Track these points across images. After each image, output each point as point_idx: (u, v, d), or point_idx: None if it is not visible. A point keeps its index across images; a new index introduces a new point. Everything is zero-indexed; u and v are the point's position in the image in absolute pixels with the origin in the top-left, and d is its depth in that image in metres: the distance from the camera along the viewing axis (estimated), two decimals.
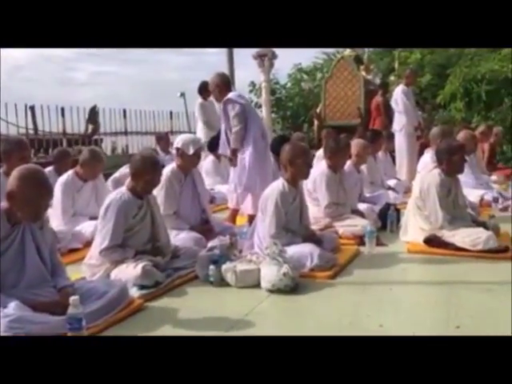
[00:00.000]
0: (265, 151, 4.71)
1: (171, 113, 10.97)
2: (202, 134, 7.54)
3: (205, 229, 3.92)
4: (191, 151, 3.91)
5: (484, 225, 3.92)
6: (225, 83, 4.71)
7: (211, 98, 7.75)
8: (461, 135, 5.77)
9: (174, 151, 4.06)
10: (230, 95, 4.60)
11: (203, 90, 7.78)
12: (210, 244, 3.35)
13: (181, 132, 10.54)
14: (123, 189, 3.26)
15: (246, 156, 4.55)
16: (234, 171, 4.68)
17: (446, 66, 11.84)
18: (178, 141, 4.04)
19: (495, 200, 5.37)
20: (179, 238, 3.70)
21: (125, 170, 5.14)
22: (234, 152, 4.60)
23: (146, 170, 3.21)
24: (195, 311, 2.71)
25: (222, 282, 3.09)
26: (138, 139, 10.53)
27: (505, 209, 5.28)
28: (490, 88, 10.17)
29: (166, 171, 3.85)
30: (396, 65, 12.35)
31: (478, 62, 11.01)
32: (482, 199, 5.49)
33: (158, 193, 3.75)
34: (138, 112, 10.59)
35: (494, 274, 3.21)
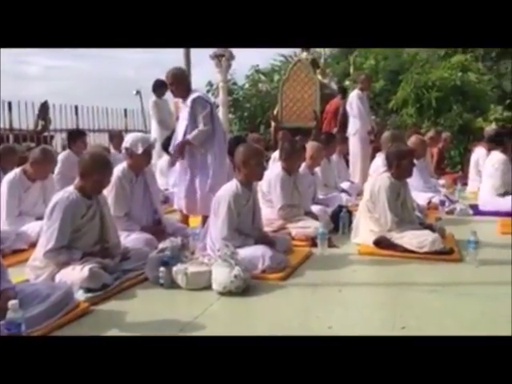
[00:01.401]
0: (225, 153, 4.67)
1: (126, 110, 10.77)
2: (156, 133, 7.43)
3: (156, 230, 3.86)
4: (140, 150, 3.83)
5: (431, 227, 4.05)
6: (187, 79, 4.65)
7: (166, 97, 7.69)
8: (411, 140, 5.94)
9: (123, 151, 3.97)
10: (200, 94, 4.53)
11: (158, 88, 7.68)
12: (161, 245, 3.29)
13: (135, 130, 10.35)
14: (71, 188, 3.15)
15: (210, 158, 4.44)
16: (188, 173, 4.49)
17: (398, 72, 12.18)
18: (127, 140, 3.97)
19: (442, 203, 5.56)
20: (130, 239, 3.62)
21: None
22: (183, 146, 4.41)
23: (96, 170, 3.12)
24: (144, 314, 2.66)
25: (172, 284, 3.04)
26: (90, 137, 10.25)
27: (451, 212, 5.48)
28: (439, 95, 10.53)
29: (117, 171, 3.76)
30: (351, 70, 12.59)
31: (429, 69, 11.40)
32: (429, 202, 5.67)
33: (109, 193, 3.66)
34: (90, 109, 10.32)
35: (439, 276, 3.32)
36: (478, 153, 7.34)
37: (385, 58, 12.94)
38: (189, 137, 4.36)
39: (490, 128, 8.81)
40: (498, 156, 5.69)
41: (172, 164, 4.65)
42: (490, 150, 6.31)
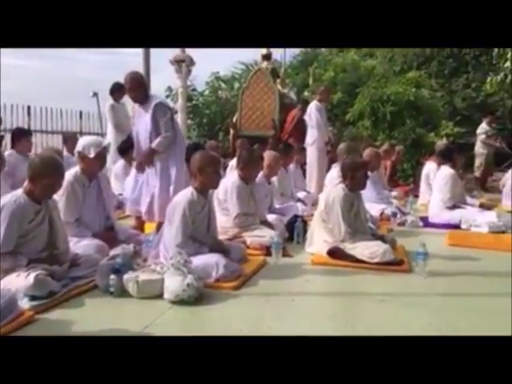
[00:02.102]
0: (184, 159, 4.65)
1: (81, 113, 10.49)
2: (112, 136, 7.29)
3: (108, 236, 3.76)
4: (92, 154, 3.74)
5: (382, 238, 4.14)
6: (145, 84, 4.61)
7: (123, 101, 7.56)
8: (366, 152, 6.09)
9: (76, 154, 3.86)
10: (161, 100, 4.55)
11: (116, 91, 7.54)
12: (113, 252, 3.21)
13: (91, 133, 10.11)
14: (19, 191, 3.04)
15: (171, 164, 4.42)
16: (151, 179, 4.46)
17: (356, 85, 12.48)
18: (80, 143, 3.87)
19: (394, 215, 5.71)
20: (80, 245, 3.52)
21: None
22: (152, 154, 4.38)
23: (46, 174, 3.02)
24: (91, 324, 2.58)
25: (122, 293, 2.97)
26: (42, 138, 9.93)
27: (402, 223, 5.63)
28: (394, 109, 10.84)
29: (69, 175, 3.65)
30: (311, 81, 12.79)
31: (385, 83, 11.73)
32: (382, 213, 5.81)
33: (60, 198, 3.54)
34: (44, 110, 10.00)
35: (388, 286, 3.39)
36: (429, 167, 7.59)
37: (343, 70, 13.23)
38: (153, 145, 4.35)
39: (441, 143, 9.14)
40: (447, 170, 5.90)
41: (139, 171, 4.57)
42: (440, 164, 6.54)
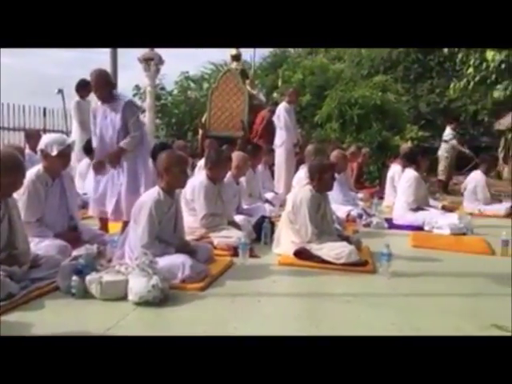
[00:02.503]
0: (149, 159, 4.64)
1: (45, 109, 10.21)
2: (77, 134, 7.14)
3: (71, 236, 3.68)
4: (54, 152, 3.64)
5: (348, 239, 4.19)
6: (111, 82, 4.55)
7: (89, 98, 7.41)
8: (334, 154, 6.16)
9: (39, 152, 3.76)
10: (131, 98, 4.57)
11: (81, 88, 7.39)
12: (75, 253, 3.14)
13: (55, 131, 9.86)
14: None
15: (139, 163, 4.42)
16: (117, 178, 4.41)
17: (324, 87, 12.62)
18: (42, 141, 3.77)
19: (360, 216, 5.79)
20: (41, 245, 3.42)
21: None
22: (120, 154, 4.33)
23: (5, 171, 2.92)
24: (52, 326, 2.50)
25: (85, 294, 2.90)
26: (4, 135, 9.63)
27: (367, 225, 5.72)
28: (361, 112, 11.02)
29: (31, 173, 3.55)
30: (280, 83, 12.86)
31: (353, 87, 11.91)
32: (348, 215, 5.89)
33: (20, 197, 3.44)
34: (5, 106, 9.69)
35: (353, 286, 3.43)
36: (394, 169, 7.74)
37: (312, 73, 13.36)
38: (122, 144, 4.31)
39: (406, 146, 9.34)
40: (411, 173, 6.03)
41: (98, 172, 4.49)
42: (404, 167, 6.68)
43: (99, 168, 4.43)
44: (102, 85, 4.36)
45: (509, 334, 2.57)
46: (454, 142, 10.21)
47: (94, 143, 4.52)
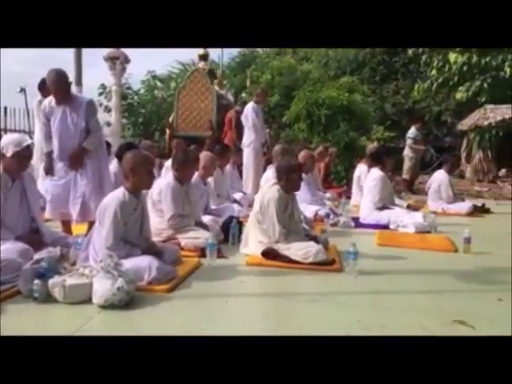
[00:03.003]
0: None
1: (6, 108, 9.90)
2: (40, 134, 6.94)
3: (33, 239, 3.56)
4: (9, 153, 3.54)
5: (315, 239, 4.22)
6: (68, 82, 4.46)
7: (51, 97, 7.24)
8: (301, 154, 6.21)
9: None
10: (91, 98, 4.58)
11: (44, 87, 7.20)
12: (37, 256, 3.05)
13: (16, 130, 9.59)
14: None
15: (102, 163, 4.46)
16: (80, 179, 4.36)
17: (292, 88, 12.71)
18: (1, 141, 3.65)
19: (327, 216, 5.85)
20: (2, 249, 3.29)
21: None
22: (83, 154, 4.32)
23: None
24: (12, 331, 2.42)
25: (48, 298, 2.83)
26: None
27: (335, 224, 5.78)
28: (328, 112, 11.15)
29: None
30: (248, 83, 12.88)
31: (320, 88, 12.04)
32: (316, 214, 5.94)
33: None
34: None
35: (320, 285, 3.46)
36: (361, 169, 7.86)
37: (280, 73, 13.44)
38: (85, 144, 4.32)
39: (372, 146, 9.50)
40: (376, 173, 6.13)
41: (49, 173, 4.49)
42: (370, 166, 6.79)
43: (49, 170, 4.45)
44: (62, 85, 4.33)
45: (471, 329, 2.64)
46: (411, 140, 10.44)
47: (51, 145, 4.47)
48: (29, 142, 3.70)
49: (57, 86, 4.31)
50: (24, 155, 3.61)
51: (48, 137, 4.46)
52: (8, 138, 3.73)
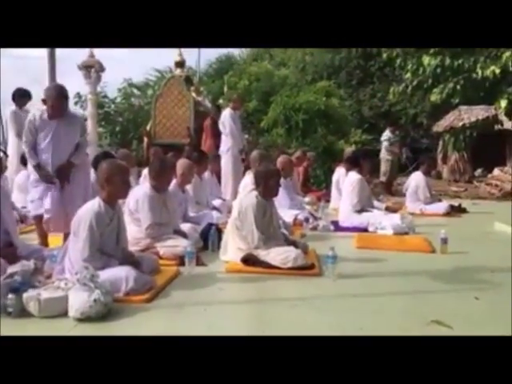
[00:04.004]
0: None
1: None
2: (14, 145, 6.85)
3: (7, 252, 3.49)
4: None
5: (294, 244, 4.22)
6: (68, 98, 4.50)
7: (26, 107, 7.14)
8: (279, 160, 6.23)
9: None
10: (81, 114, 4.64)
11: (19, 97, 7.11)
12: (10, 270, 2.98)
13: None
14: None
15: (87, 176, 4.52)
16: (69, 191, 4.33)
17: (270, 93, 12.76)
18: None
19: (306, 220, 5.86)
20: None
21: None
22: (70, 167, 4.36)
23: None
24: None
25: (23, 313, 2.77)
26: None
27: (314, 228, 5.80)
28: (306, 117, 11.22)
29: None
30: (225, 89, 12.89)
31: (297, 92, 12.11)
32: (295, 219, 5.94)
33: None
34: None
35: (300, 291, 3.46)
36: (339, 172, 7.91)
37: (257, 79, 13.48)
38: (73, 159, 4.37)
39: (349, 150, 9.58)
40: (354, 176, 6.18)
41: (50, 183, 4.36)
42: (348, 170, 6.83)
43: (50, 181, 4.33)
44: (61, 102, 4.29)
45: (449, 329, 2.67)
46: (386, 143, 10.57)
47: (37, 157, 4.34)
48: (14, 152, 3.65)
49: (57, 102, 4.25)
50: None
51: (33, 149, 4.34)
52: None
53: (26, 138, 4.34)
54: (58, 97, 4.27)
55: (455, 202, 8.10)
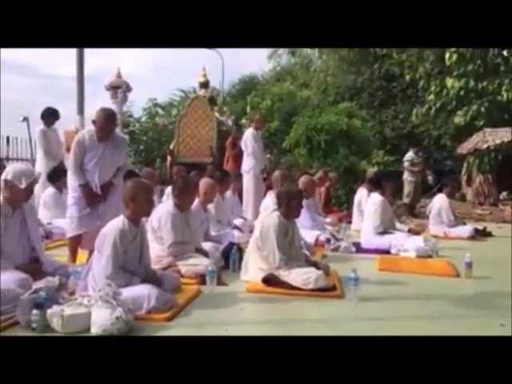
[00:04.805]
0: None
1: (8, 138, 9.98)
2: (42, 163, 7.02)
3: (33, 268, 3.56)
4: (23, 184, 3.57)
5: (316, 265, 4.20)
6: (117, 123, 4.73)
7: (55, 126, 7.35)
8: (302, 180, 6.23)
9: (2, 183, 3.65)
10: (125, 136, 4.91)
11: (48, 116, 7.32)
12: (35, 286, 3.04)
13: (19, 159, 9.66)
14: None
15: (118, 194, 4.46)
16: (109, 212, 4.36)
17: (292, 113, 12.86)
18: (7, 172, 3.66)
19: (328, 241, 5.83)
20: (1, 278, 3.30)
21: None
22: (110, 188, 4.49)
23: None
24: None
25: (46, 328, 2.81)
26: None
27: (336, 249, 5.76)
28: (328, 138, 11.24)
29: None
30: (248, 109, 13.03)
31: (319, 113, 12.17)
32: (316, 240, 5.92)
33: None
34: None
35: (321, 312, 3.43)
36: (361, 193, 7.86)
37: (280, 99, 13.62)
38: (114, 180, 4.50)
39: (371, 170, 9.53)
40: (377, 197, 6.13)
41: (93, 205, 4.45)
42: (370, 191, 6.79)
43: (94, 202, 4.41)
44: (110, 125, 4.43)
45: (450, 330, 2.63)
46: (407, 164, 10.48)
47: (84, 176, 4.40)
48: (37, 173, 3.75)
49: (106, 125, 4.38)
50: (32, 185, 3.66)
51: (81, 168, 4.41)
52: (16, 168, 3.75)
53: (75, 157, 4.39)
54: (107, 120, 4.39)
55: (480, 226, 7.95)
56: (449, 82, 14.25)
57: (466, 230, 7.44)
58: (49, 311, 2.82)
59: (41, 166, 7.04)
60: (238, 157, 8.69)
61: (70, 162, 4.51)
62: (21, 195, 3.63)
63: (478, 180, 13.43)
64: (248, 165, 7.85)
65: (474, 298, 3.90)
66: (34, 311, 2.81)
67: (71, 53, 8.79)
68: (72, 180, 4.48)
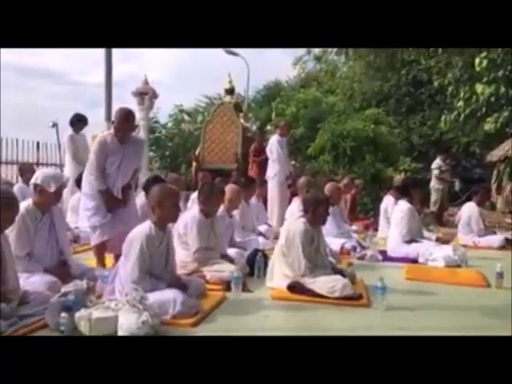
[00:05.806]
0: None
1: (38, 143, 10.22)
2: (70, 168, 7.16)
3: (61, 271, 3.62)
4: (53, 189, 3.64)
5: (342, 272, 4.15)
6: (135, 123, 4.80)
7: (83, 132, 7.49)
8: (327, 187, 6.18)
9: (32, 186, 3.74)
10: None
11: (76, 122, 7.46)
12: (64, 289, 3.08)
13: (48, 164, 9.87)
14: None
15: (133, 194, 4.66)
16: (130, 214, 4.44)
17: (317, 120, 12.80)
18: (37, 176, 3.75)
19: (354, 249, 5.76)
20: (30, 281, 3.37)
21: None
22: (130, 188, 4.55)
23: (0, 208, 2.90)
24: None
25: (74, 331, 2.84)
26: None
27: (362, 257, 5.68)
28: (354, 144, 11.13)
29: (21, 208, 3.52)
30: (273, 115, 13.04)
31: (345, 120, 12.08)
32: (342, 247, 5.85)
33: (10, 231, 3.40)
34: None
35: (347, 321, 3.38)
36: (387, 201, 7.74)
37: (305, 106, 13.58)
38: (131, 182, 4.53)
39: (399, 178, 9.39)
40: (404, 205, 6.03)
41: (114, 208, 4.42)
42: (397, 198, 6.69)
43: (116, 205, 4.39)
44: (126, 125, 4.37)
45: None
46: (436, 172, 10.27)
47: (106, 182, 4.34)
48: (66, 177, 3.83)
49: (123, 124, 4.33)
50: (61, 190, 3.73)
51: (103, 172, 4.33)
52: (46, 173, 3.83)
53: (97, 161, 4.28)
54: (123, 119, 4.33)
55: (510, 235, 7.74)
56: (479, 88, 13.96)
57: (496, 239, 7.25)
58: (77, 314, 2.86)
59: (69, 171, 7.17)
60: (263, 163, 8.69)
61: (91, 166, 4.35)
62: (50, 199, 3.70)
63: (509, 188, 13.11)
64: (273, 171, 7.84)
65: (504, 310, 3.78)
66: (63, 314, 2.84)
67: (99, 60, 8.97)
68: (91, 186, 4.35)
